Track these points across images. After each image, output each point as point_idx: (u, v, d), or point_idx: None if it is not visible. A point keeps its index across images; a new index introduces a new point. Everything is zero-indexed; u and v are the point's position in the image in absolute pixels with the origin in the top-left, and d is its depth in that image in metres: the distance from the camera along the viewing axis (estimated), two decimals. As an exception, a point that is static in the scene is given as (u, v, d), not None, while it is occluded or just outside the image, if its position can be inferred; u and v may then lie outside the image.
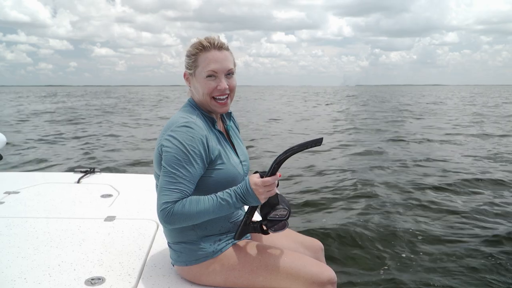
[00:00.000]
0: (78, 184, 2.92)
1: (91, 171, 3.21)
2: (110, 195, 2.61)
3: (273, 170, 1.36)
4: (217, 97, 1.48)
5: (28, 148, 9.86)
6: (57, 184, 2.91)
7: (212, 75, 1.45)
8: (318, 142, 1.31)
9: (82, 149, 9.73)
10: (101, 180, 3.02)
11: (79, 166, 3.39)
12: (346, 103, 34.90)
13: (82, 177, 3.04)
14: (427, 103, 32.11)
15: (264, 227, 1.46)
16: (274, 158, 1.36)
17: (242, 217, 1.49)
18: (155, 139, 1.76)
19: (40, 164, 7.87)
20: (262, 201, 1.37)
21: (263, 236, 1.63)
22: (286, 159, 1.35)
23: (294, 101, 38.76)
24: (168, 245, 1.58)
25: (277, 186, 1.43)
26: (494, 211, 4.75)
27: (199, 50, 1.46)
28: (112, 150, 9.57)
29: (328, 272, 1.45)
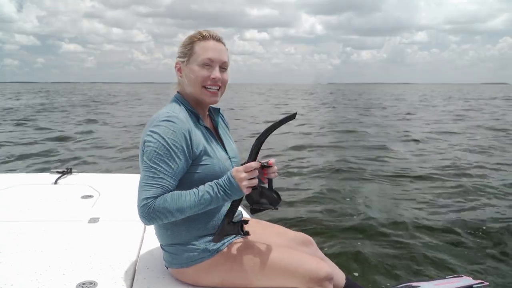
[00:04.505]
0: (55, 185, 2.82)
1: (68, 171, 3.11)
2: (90, 196, 2.54)
3: (254, 155, 1.35)
4: (208, 87, 1.45)
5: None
6: (34, 186, 2.80)
7: (207, 64, 1.44)
8: (292, 117, 1.33)
9: (53, 148, 9.41)
10: (79, 181, 2.93)
11: (55, 167, 3.28)
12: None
13: (59, 178, 2.94)
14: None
15: (245, 228, 1.44)
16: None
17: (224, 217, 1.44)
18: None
19: (11, 165, 7.55)
20: (245, 191, 1.33)
21: (257, 234, 1.63)
22: (264, 140, 1.35)
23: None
24: (161, 248, 1.54)
25: (270, 186, 1.42)
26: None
27: (197, 39, 1.45)
28: (86, 149, 9.30)
29: (325, 269, 1.45)
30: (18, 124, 14.51)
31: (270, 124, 1.35)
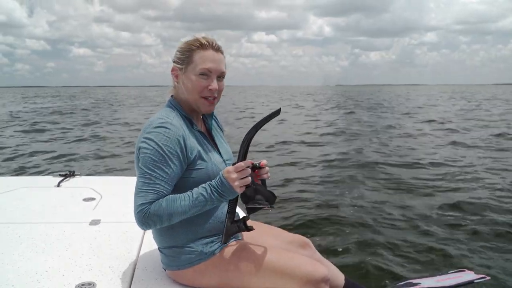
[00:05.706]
0: (58, 187, 2.85)
1: (71, 174, 3.13)
2: (92, 199, 2.56)
3: (243, 154, 1.36)
4: (205, 96, 1.46)
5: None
6: (36, 188, 2.83)
7: (205, 74, 1.44)
8: (276, 113, 1.35)
9: (56, 151, 9.48)
10: (81, 184, 2.95)
11: (58, 169, 3.31)
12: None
13: (62, 180, 2.97)
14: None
15: (248, 224, 1.44)
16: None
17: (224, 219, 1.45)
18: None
19: (15, 167, 7.61)
20: (238, 190, 1.34)
21: (254, 236, 1.64)
22: (252, 139, 1.36)
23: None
24: (159, 250, 1.55)
25: (263, 183, 1.43)
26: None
27: (196, 47, 1.44)
28: (90, 152, 9.36)
29: (321, 270, 1.46)
30: (25, 130, 14.60)
31: (256, 122, 1.36)
